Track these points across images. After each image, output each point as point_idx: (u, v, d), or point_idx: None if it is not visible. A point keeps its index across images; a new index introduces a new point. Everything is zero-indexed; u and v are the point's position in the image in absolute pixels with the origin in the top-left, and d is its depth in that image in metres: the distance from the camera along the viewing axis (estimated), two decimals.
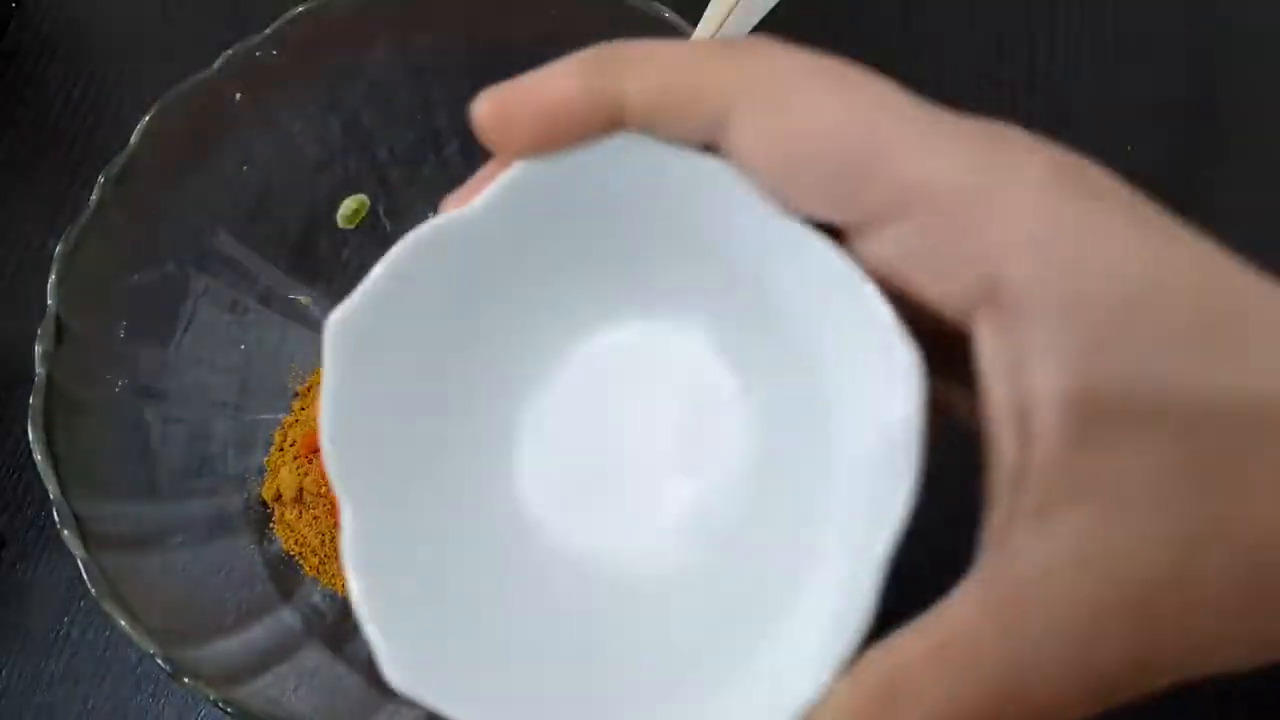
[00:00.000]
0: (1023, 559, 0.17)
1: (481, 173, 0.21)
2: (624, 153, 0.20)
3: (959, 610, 0.17)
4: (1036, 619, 0.17)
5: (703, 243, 0.22)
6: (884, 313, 0.19)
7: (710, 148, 0.20)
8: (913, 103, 0.19)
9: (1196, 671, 0.18)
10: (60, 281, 0.32)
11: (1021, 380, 0.17)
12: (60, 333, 0.31)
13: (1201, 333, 0.17)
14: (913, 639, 0.18)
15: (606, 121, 0.20)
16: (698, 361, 0.24)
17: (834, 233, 0.20)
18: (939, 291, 0.18)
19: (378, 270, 0.21)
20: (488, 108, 0.20)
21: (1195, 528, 0.17)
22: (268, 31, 0.33)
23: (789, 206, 0.20)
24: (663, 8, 0.32)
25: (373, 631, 0.20)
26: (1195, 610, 0.17)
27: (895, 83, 0.19)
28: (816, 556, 0.21)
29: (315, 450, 0.37)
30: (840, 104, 0.19)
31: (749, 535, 0.23)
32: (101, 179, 0.32)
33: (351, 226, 0.38)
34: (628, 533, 0.23)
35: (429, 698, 0.20)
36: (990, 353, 0.18)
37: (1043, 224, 0.17)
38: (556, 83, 0.20)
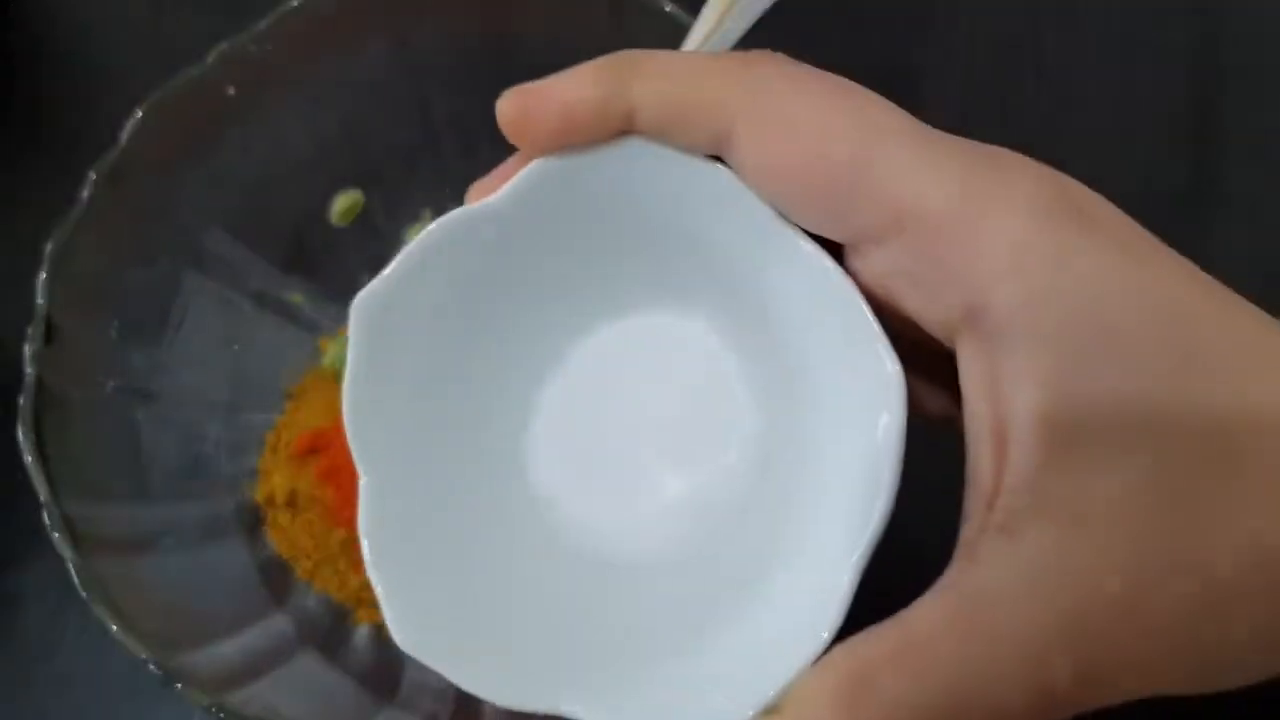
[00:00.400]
0: (986, 572, 0.18)
1: (505, 166, 0.22)
2: (636, 156, 0.21)
3: (924, 615, 0.18)
4: (993, 630, 0.17)
5: (708, 244, 0.22)
6: (872, 325, 0.20)
7: (718, 157, 0.21)
8: (909, 123, 0.19)
9: (1146, 692, 0.18)
10: (50, 280, 0.31)
11: (999, 401, 0.18)
12: (50, 332, 0.31)
13: (1174, 360, 0.18)
14: (879, 640, 0.18)
15: (619, 126, 0.21)
16: (703, 355, 0.24)
17: (832, 243, 0.20)
18: (926, 311, 0.19)
19: (404, 253, 0.22)
20: (510, 104, 0.21)
21: (1153, 555, 0.17)
22: (262, 27, 0.33)
23: (788, 217, 0.20)
24: (664, 1, 0.32)
25: (381, 593, 0.21)
26: (1145, 635, 0.17)
27: (893, 102, 0.20)
28: (797, 554, 0.21)
29: (309, 452, 0.36)
30: (836, 125, 0.19)
31: (737, 527, 0.23)
32: (93, 176, 0.32)
33: (345, 224, 0.38)
34: (626, 514, 0.24)
35: (429, 659, 0.21)
36: (971, 373, 0.19)
37: (1025, 251, 0.18)
38: (573, 87, 0.21)
